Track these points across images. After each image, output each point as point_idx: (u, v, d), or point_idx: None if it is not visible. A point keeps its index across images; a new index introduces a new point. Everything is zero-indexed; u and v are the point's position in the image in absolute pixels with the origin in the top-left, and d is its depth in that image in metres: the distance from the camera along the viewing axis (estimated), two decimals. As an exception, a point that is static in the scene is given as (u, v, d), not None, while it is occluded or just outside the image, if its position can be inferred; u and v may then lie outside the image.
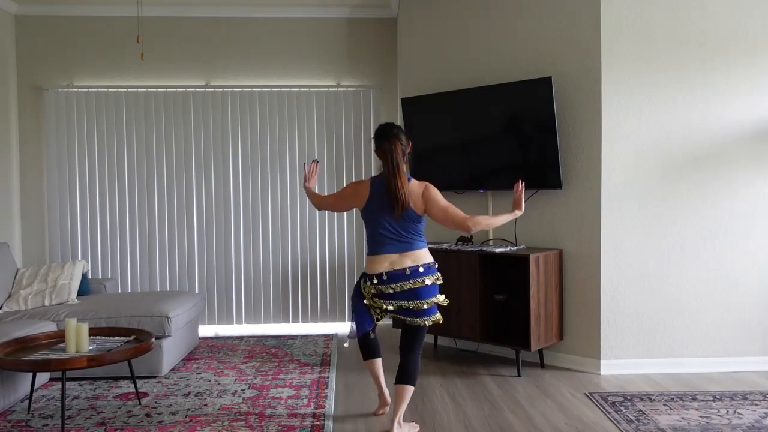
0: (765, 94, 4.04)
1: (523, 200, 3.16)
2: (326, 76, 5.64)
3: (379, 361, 3.39)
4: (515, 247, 4.30)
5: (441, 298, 3.14)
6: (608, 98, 4.02)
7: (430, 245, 3.46)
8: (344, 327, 5.57)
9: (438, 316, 3.13)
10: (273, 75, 5.60)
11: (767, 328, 4.09)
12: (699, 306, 4.07)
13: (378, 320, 3.23)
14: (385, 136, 3.11)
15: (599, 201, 4.05)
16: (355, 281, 3.86)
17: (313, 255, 5.62)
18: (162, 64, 5.52)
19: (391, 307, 3.08)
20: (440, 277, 3.13)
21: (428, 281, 3.05)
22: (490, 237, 4.61)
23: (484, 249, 4.21)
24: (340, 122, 5.61)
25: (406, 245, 3.07)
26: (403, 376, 3.07)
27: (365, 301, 3.18)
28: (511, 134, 4.36)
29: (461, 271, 4.22)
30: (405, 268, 3.04)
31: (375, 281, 3.08)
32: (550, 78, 4.10)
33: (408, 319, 3.09)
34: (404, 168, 3.10)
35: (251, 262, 5.58)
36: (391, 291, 3.05)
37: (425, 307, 3.06)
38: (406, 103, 4.83)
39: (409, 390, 3.07)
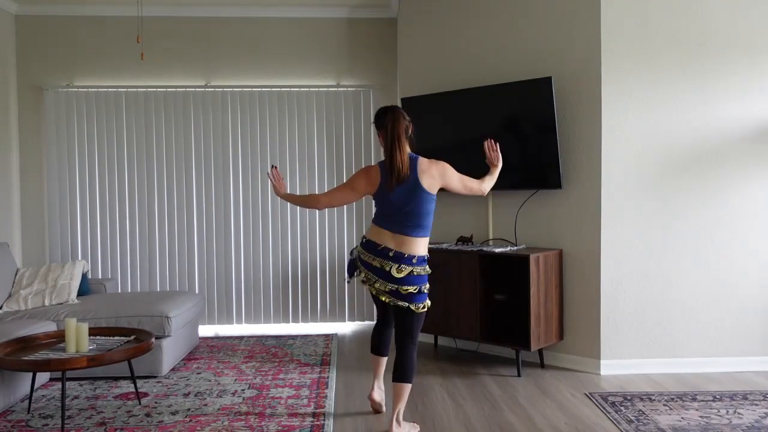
0: (764, 94, 4.04)
1: (500, 154, 3.47)
2: (326, 76, 5.64)
3: (382, 360, 3.41)
4: (515, 247, 4.30)
5: (424, 288, 3.07)
6: (608, 98, 4.02)
7: (430, 245, 3.46)
8: (344, 327, 5.58)
9: (423, 304, 3.06)
10: (273, 75, 5.60)
11: (767, 328, 4.10)
12: (699, 306, 4.07)
13: (372, 292, 3.18)
14: (386, 114, 3.11)
15: (599, 201, 4.06)
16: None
17: (313, 255, 5.62)
18: (162, 64, 5.52)
19: (369, 275, 3.09)
20: (426, 269, 3.09)
21: (410, 271, 3.02)
22: (490, 237, 4.61)
23: (484, 249, 4.21)
24: (340, 122, 5.61)
25: (406, 229, 3.05)
26: (400, 373, 3.06)
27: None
28: (511, 134, 4.36)
29: (461, 271, 4.22)
30: (391, 249, 3.04)
31: (361, 242, 3.18)
32: (550, 78, 4.10)
33: (388, 298, 3.06)
34: (405, 143, 3.08)
35: (251, 262, 5.58)
36: (366, 260, 3.08)
37: (403, 291, 3.02)
38: (406, 103, 4.83)
39: (407, 388, 3.06)
